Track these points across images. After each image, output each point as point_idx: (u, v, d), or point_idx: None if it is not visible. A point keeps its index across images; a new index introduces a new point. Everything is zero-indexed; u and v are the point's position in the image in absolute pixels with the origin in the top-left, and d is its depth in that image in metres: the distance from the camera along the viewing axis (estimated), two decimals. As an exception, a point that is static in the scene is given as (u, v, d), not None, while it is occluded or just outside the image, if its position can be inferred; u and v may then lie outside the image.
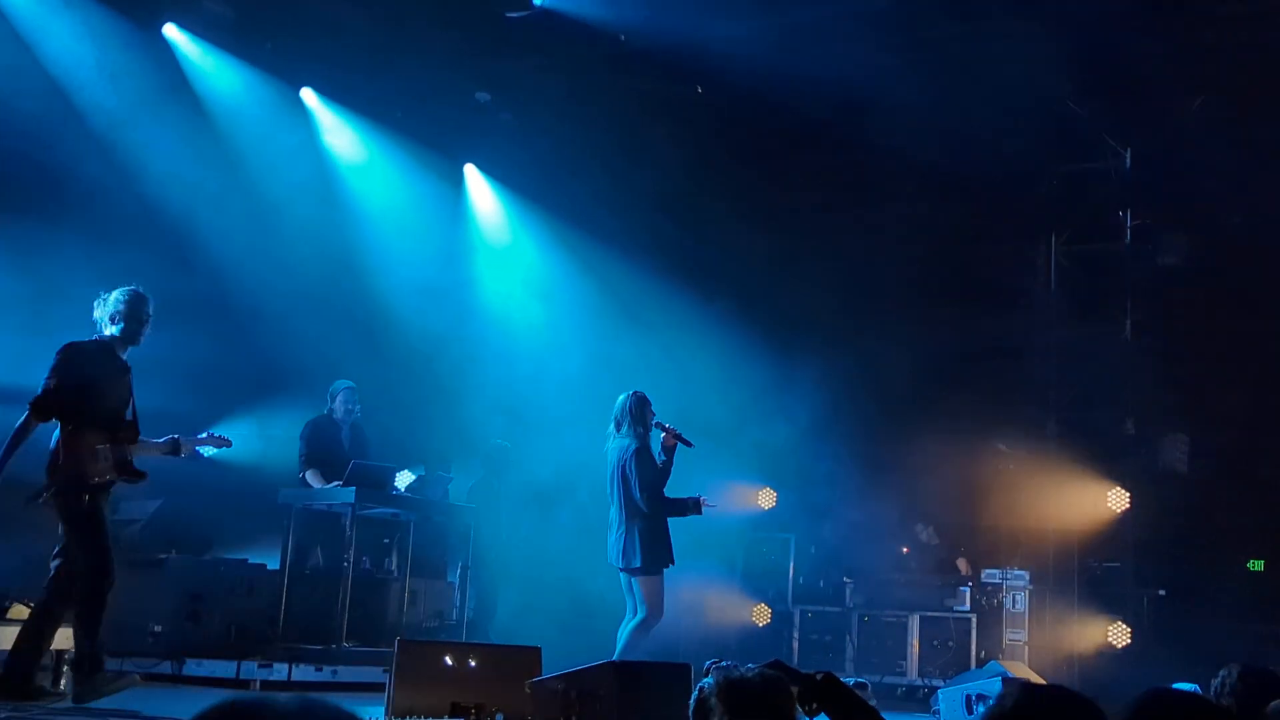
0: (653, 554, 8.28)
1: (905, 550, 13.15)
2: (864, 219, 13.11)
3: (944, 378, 12.68)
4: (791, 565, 13.24)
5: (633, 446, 8.36)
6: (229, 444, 7.71)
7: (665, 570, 8.33)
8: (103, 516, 6.80)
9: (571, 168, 12.68)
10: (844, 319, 13.40)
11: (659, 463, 8.39)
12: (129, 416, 7.03)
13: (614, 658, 7.84)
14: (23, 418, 6.65)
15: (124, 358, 7.03)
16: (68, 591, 6.69)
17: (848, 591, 12.87)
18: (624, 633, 8.29)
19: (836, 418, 12.84)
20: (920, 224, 13.13)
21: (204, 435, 7.65)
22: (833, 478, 13.08)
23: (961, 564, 12.88)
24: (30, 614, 6.90)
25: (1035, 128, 12.50)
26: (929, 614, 12.46)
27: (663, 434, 8.41)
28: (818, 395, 12.70)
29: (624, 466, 8.34)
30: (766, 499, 13.62)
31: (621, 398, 8.48)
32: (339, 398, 10.15)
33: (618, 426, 8.45)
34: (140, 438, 7.06)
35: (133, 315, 6.95)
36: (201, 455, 7.79)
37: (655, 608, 8.27)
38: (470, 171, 13.74)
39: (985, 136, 12.00)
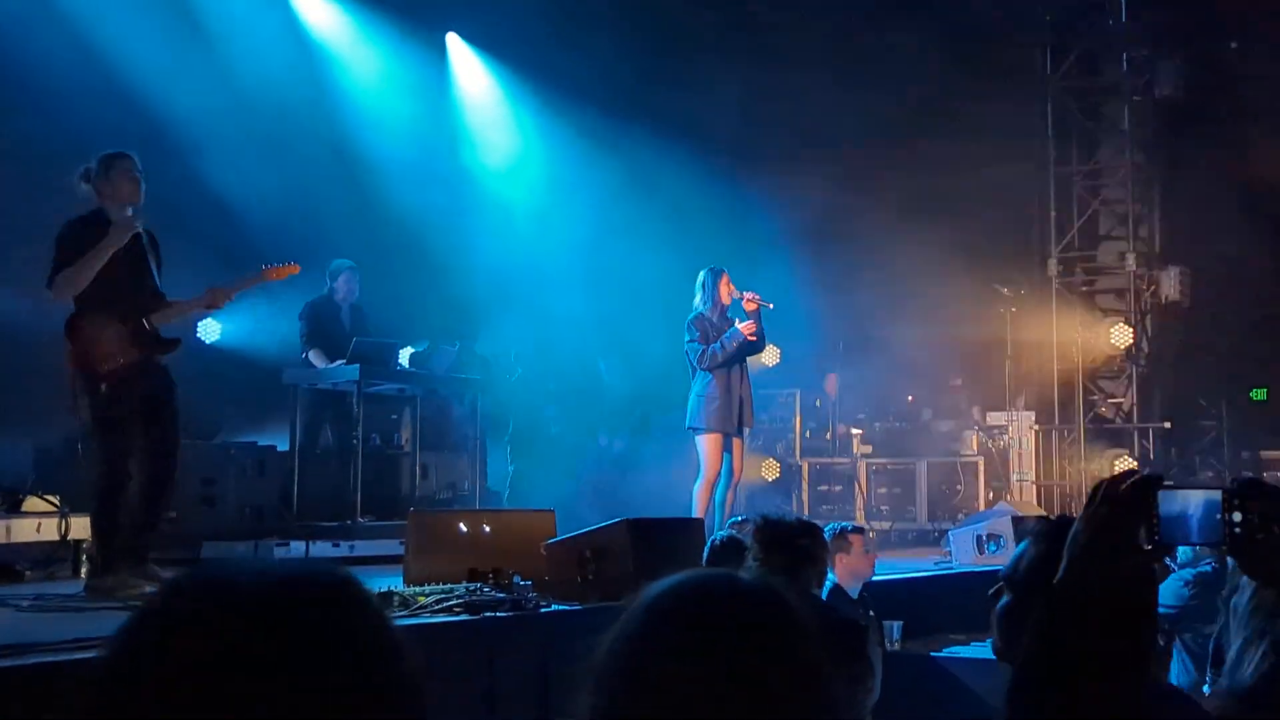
0: (701, 414, 8.76)
1: (911, 399, 13.20)
2: (857, 54, 12.83)
3: (940, 218, 12.58)
4: (797, 419, 13.36)
5: (690, 316, 8.90)
6: (296, 269, 7.04)
7: (718, 430, 8.71)
8: (125, 414, 6.18)
9: (556, 30, 12.38)
10: (836, 161, 13.23)
11: (740, 326, 8.76)
12: (151, 285, 6.45)
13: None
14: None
15: (137, 224, 6.40)
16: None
17: (854, 442, 12.98)
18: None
19: (833, 265, 12.79)
20: (912, 61, 12.88)
21: (255, 273, 6.86)
22: (833, 334, 13.10)
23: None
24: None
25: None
26: (936, 460, 12.58)
27: (743, 302, 8.85)
28: (815, 244, 12.64)
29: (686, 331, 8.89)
30: (770, 356, 13.59)
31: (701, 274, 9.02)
32: (340, 278, 10.06)
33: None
34: (169, 299, 6.52)
35: (116, 175, 6.33)
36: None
37: (706, 466, 8.74)
38: (452, 40, 13.47)
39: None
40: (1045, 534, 2.35)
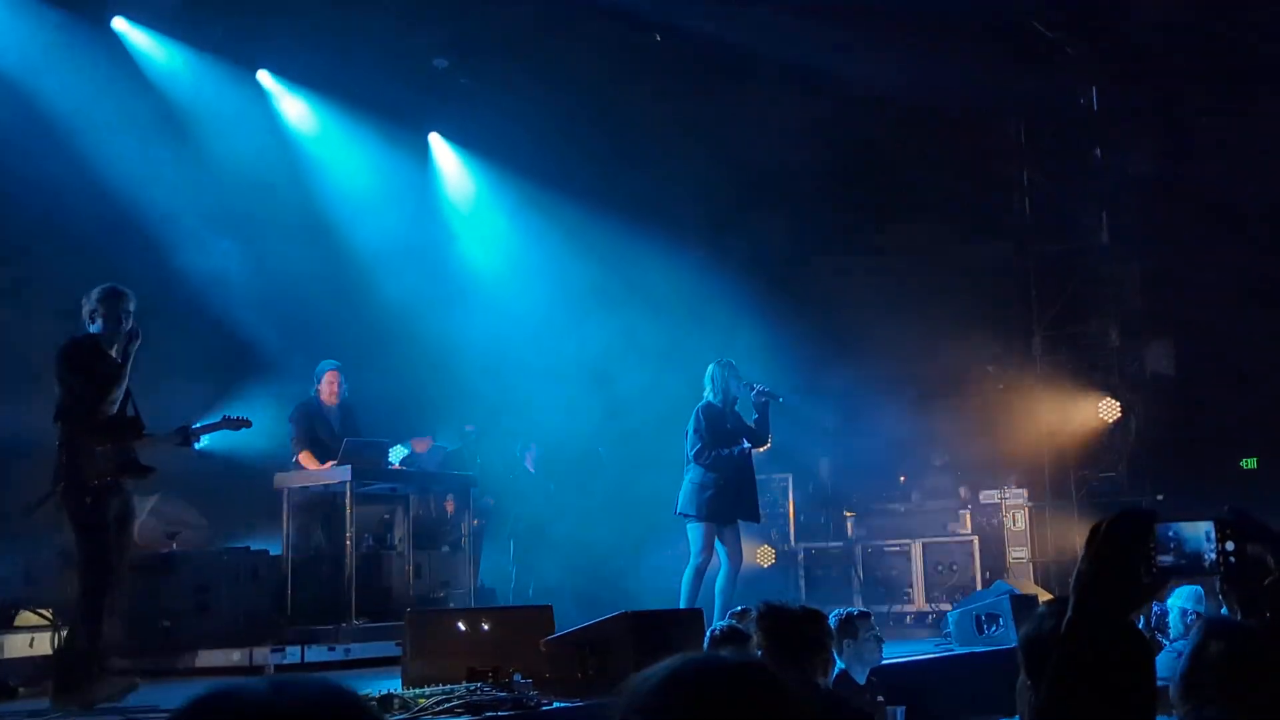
0: (692, 502, 8.89)
1: (903, 479, 13.21)
2: (831, 146, 13.05)
3: (926, 303, 12.70)
4: (791, 504, 13.37)
5: (699, 404, 9.06)
6: (248, 424, 7.53)
7: (710, 519, 8.84)
8: (106, 520, 6.62)
9: (532, 126, 12.62)
10: (817, 250, 13.39)
11: (750, 422, 9.04)
12: (130, 413, 6.89)
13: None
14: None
15: (115, 354, 6.86)
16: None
17: (849, 525, 13.01)
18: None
19: (821, 355, 12.86)
20: (892, 150, 13.09)
21: (218, 419, 7.45)
22: (825, 415, 13.13)
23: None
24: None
25: (1000, 48, 12.46)
26: (931, 540, 12.58)
27: (754, 394, 9.04)
28: (800, 333, 12.72)
29: (691, 420, 9.07)
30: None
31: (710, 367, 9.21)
32: (324, 378, 10.09)
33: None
34: (146, 432, 6.94)
35: (109, 314, 6.80)
36: (201, 445, 7.56)
37: (695, 553, 8.82)
38: (435, 140, 13.69)
39: (952, 60, 11.97)
40: (1056, 613, 2.39)
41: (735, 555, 8.96)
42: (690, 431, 8.96)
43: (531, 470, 11.99)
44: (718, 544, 8.89)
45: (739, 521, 9.06)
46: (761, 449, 9.17)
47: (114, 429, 6.73)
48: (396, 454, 11.04)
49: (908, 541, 12.58)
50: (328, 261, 12.20)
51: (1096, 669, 1.77)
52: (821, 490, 13.44)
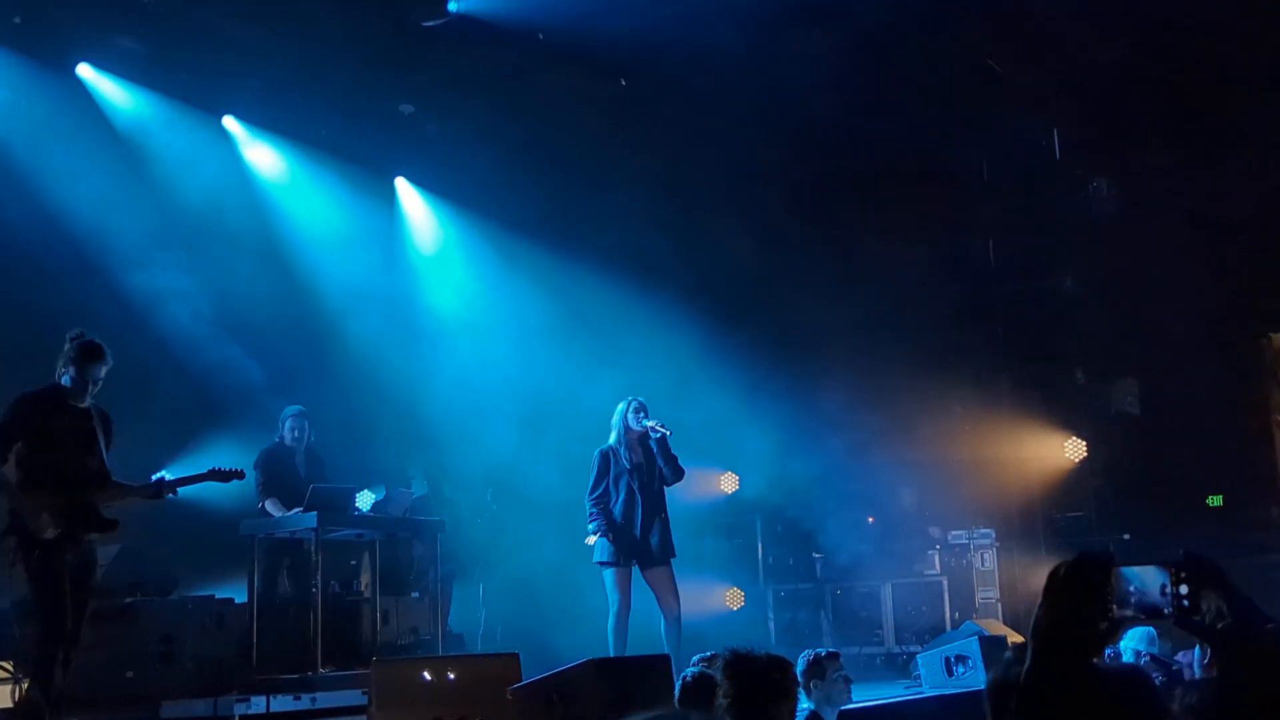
0: (597, 547, 8.82)
1: (870, 520, 13.24)
2: (795, 184, 13.17)
3: (891, 342, 12.78)
4: (760, 546, 13.42)
5: (596, 450, 8.99)
6: (241, 475, 7.52)
7: (621, 564, 8.74)
8: (58, 573, 6.53)
9: (499, 172, 12.67)
10: (778, 291, 13.46)
11: (631, 461, 8.90)
12: (95, 465, 6.80)
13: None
14: None
15: (83, 405, 6.80)
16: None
17: (818, 566, 13.03)
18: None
19: (783, 395, 12.90)
20: (859, 183, 13.19)
21: (205, 470, 7.36)
22: (790, 456, 13.16)
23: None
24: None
25: (959, 90, 12.62)
26: (900, 581, 12.66)
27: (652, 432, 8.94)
28: (762, 373, 12.78)
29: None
30: (729, 483, 13.76)
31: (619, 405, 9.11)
32: (289, 423, 10.10)
33: None
34: (116, 482, 6.88)
35: (80, 371, 6.74)
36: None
37: (611, 600, 8.71)
38: (401, 185, 13.72)
39: (911, 102, 12.13)
40: (1022, 659, 2.42)
41: (667, 600, 8.74)
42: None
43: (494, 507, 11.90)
44: (651, 591, 8.78)
45: (667, 564, 8.84)
46: (669, 484, 9.00)
47: (66, 485, 6.63)
48: (364, 500, 11.01)
49: (877, 583, 12.65)
50: (294, 305, 12.20)
51: (1058, 716, 1.80)
52: (790, 531, 13.39)
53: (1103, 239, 13.39)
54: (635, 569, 8.80)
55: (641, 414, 8.93)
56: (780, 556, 13.41)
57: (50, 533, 6.54)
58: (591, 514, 8.84)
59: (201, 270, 11.33)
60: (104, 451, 6.88)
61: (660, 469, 8.93)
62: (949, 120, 12.87)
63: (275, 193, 12.62)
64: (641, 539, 8.77)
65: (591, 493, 8.88)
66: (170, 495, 7.11)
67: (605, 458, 8.95)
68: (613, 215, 12.84)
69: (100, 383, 6.82)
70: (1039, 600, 1.92)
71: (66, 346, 6.79)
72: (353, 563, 10.51)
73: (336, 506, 9.52)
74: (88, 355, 6.77)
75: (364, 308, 12.59)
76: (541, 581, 11.65)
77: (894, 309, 13.07)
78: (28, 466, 6.58)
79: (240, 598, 9.46)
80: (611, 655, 8.25)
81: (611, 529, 8.76)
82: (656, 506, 8.91)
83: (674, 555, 8.92)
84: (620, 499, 8.83)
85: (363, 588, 10.31)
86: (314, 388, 11.23)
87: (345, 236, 12.87)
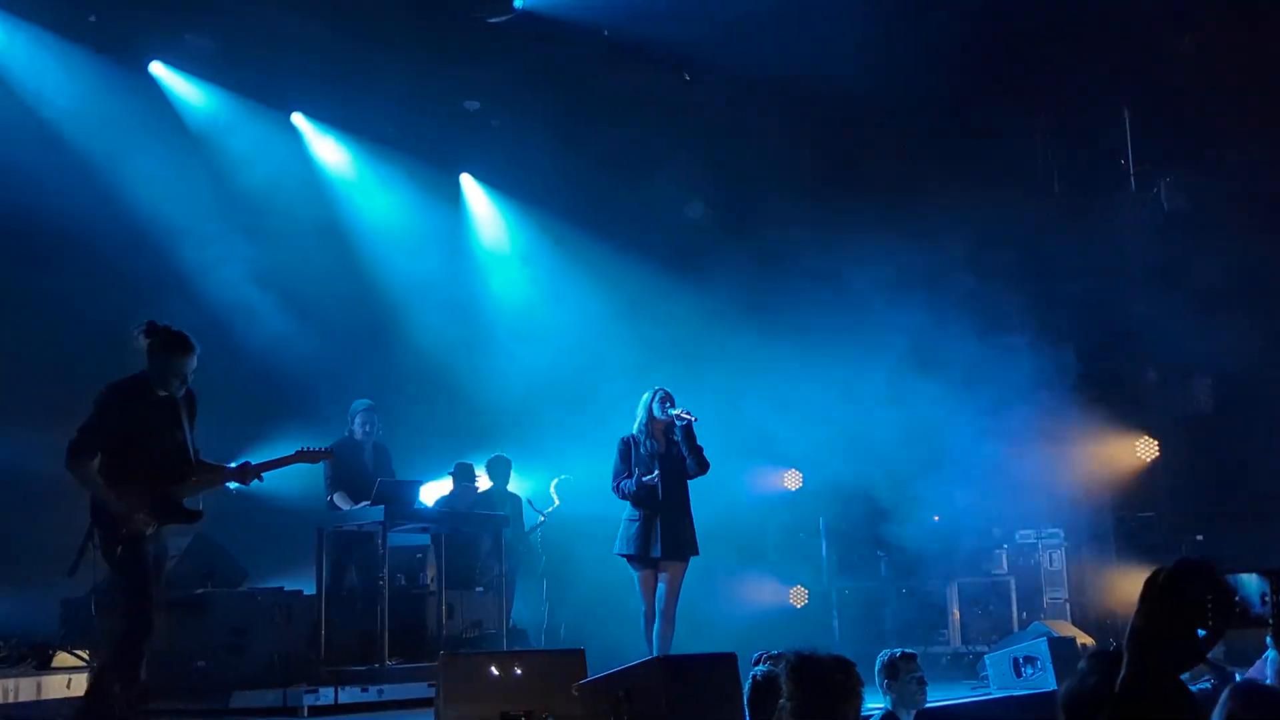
0: (619, 538, 8.56)
1: (936, 518, 13.10)
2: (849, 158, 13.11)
3: (961, 339, 12.68)
4: (824, 544, 13.32)
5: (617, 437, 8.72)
6: (330, 455, 7.48)
7: (645, 559, 8.44)
8: (142, 565, 6.46)
9: (563, 168, 12.73)
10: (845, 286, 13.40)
11: (653, 449, 8.58)
12: (180, 452, 6.69)
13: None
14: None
15: (169, 394, 6.64)
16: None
17: (883, 564, 12.95)
18: None
19: (852, 391, 12.82)
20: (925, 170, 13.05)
21: (292, 452, 7.26)
22: (854, 453, 13.07)
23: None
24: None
25: (1030, 81, 12.49)
26: (967, 580, 12.54)
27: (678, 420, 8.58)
28: (832, 371, 12.66)
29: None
30: (793, 480, 13.71)
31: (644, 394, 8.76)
32: (358, 418, 10.22)
33: None
34: (203, 463, 6.79)
35: (164, 364, 6.58)
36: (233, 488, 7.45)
37: (640, 599, 8.49)
38: (466, 181, 13.82)
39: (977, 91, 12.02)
40: (1098, 669, 2.39)
41: (666, 598, 8.39)
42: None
43: (557, 502, 11.91)
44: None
45: (684, 561, 8.50)
46: (693, 476, 8.62)
47: (151, 476, 6.56)
48: (431, 493, 11.06)
49: (943, 582, 12.55)
50: (361, 301, 12.34)
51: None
52: (854, 529, 13.31)
53: (1174, 232, 13.18)
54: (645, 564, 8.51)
55: (667, 404, 8.61)
56: (844, 554, 13.33)
57: (135, 526, 6.45)
58: (624, 494, 8.56)
59: (272, 265, 11.49)
60: (189, 433, 6.77)
61: (685, 459, 8.62)
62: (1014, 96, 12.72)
63: (341, 187, 12.82)
64: (663, 532, 8.44)
65: (616, 480, 8.60)
66: (257, 481, 6.98)
67: (626, 445, 8.67)
68: (672, 210, 12.81)
69: (190, 376, 6.69)
70: (1134, 606, 1.88)
71: (145, 341, 6.60)
72: (419, 556, 10.61)
73: (403, 500, 9.60)
74: (174, 348, 6.61)
75: (430, 302, 12.69)
76: (604, 578, 11.64)
77: (958, 309, 12.97)
78: (111, 458, 6.49)
79: (309, 589, 9.57)
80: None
81: (633, 519, 8.50)
82: (680, 499, 8.59)
83: (695, 553, 8.58)
84: (625, 490, 8.59)
85: (428, 581, 10.41)
86: (382, 382, 11.35)
87: (411, 232, 13.01)
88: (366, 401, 10.34)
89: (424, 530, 10.18)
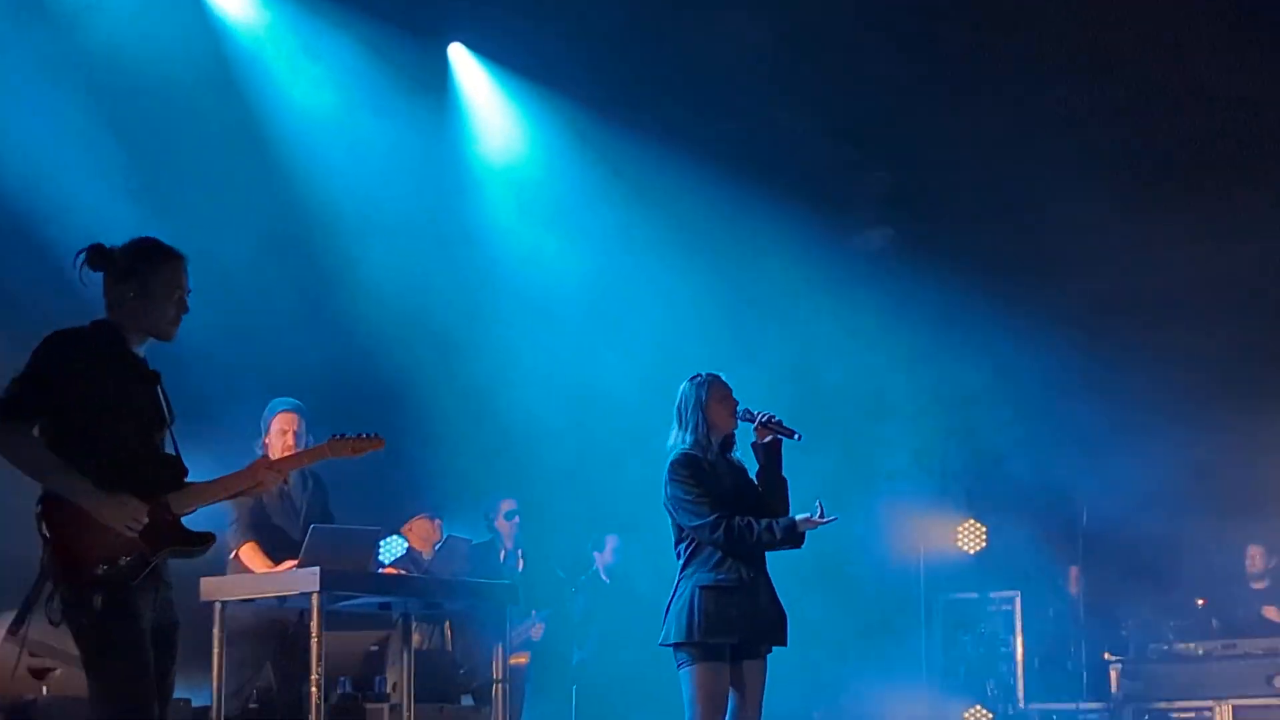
0: (697, 623, 8.01)
1: (1201, 602, 13.15)
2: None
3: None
4: (1019, 641, 13.47)
5: (673, 455, 8.24)
6: (380, 444, 7.16)
7: (726, 652, 8.06)
8: (136, 635, 5.96)
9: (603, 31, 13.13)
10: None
11: (753, 476, 8.37)
12: (173, 445, 6.40)
13: None
14: None
15: (142, 353, 6.33)
16: None
17: (1113, 676, 12.98)
18: None
19: (1067, 405, 13.20)
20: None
21: (327, 442, 7.08)
22: (1065, 491, 13.44)
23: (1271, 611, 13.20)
24: None
25: None
26: (1247, 700, 12.71)
27: (754, 428, 8.32)
28: (1032, 363, 13.16)
29: (665, 488, 8.21)
30: (972, 538, 13.85)
31: (681, 387, 8.44)
32: (275, 423, 10.00)
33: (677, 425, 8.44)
34: (189, 479, 6.39)
35: (150, 287, 6.21)
36: None
37: (693, 714, 8.01)
38: (457, 53, 14.36)
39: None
40: None
41: (746, 712, 8.14)
42: (669, 497, 8.14)
43: (606, 580, 11.80)
44: (731, 693, 8.11)
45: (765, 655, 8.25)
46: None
47: (138, 483, 6.13)
48: (392, 550, 10.94)
49: (1210, 705, 12.72)
50: (288, 242, 12.73)
51: None
52: (1068, 617, 13.47)
53: None
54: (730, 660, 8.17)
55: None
56: (1051, 658, 13.53)
57: (114, 564, 5.99)
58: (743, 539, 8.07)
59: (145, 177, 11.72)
60: (169, 412, 6.45)
61: (760, 497, 8.31)
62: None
63: (257, 64, 13.07)
64: (753, 608, 8.09)
65: (698, 511, 8.02)
66: (283, 485, 7.06)
67: (694, 465, 8.19)
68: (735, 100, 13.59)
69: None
70: None
71: (101, 271, 6.24)
72: (373, 648, 10.64)
73: (349, 558, 9.35)
74: (158, 257, 6.29)
75: (393, 247, 13.28)
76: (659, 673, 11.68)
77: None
78: (64, 439, 6.04)
79: (199, 700, 9.45)
80: None
81: (730, 587, 8.02)
82: (762, 556, 8.33)
83: (784, 642, 8.31)
84: (735, 534, 8.09)
85: (388, 688, 10.28)
86: (308, 369, 11.59)
87: (369, 137, 13.49)
88: (290, 401, 10.12)
89: (383, 606, 9.95)
